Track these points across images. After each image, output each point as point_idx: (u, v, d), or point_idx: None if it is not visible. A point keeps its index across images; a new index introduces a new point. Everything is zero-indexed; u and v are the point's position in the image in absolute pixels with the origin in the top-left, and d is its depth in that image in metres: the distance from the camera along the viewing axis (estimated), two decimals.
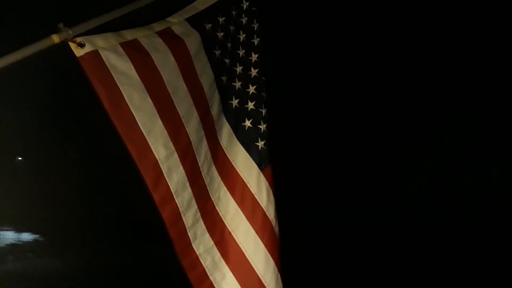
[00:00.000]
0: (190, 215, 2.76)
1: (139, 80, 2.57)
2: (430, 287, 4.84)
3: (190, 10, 2.87)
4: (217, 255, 2.88)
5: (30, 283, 5.24)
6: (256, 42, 3.03)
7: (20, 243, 5.93)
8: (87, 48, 2.44)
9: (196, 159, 2.79)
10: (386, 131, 4.78)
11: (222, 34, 2.92)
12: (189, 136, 2.75)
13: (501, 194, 4.68)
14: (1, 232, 5.93)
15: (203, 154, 2.83)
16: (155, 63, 2.64)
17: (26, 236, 5.98)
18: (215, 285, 2.86)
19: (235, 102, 3.00)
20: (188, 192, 2.74)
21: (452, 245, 4.84)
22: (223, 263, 2.89)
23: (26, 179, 5.39)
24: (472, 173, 4.78)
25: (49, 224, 5.61)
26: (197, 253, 2.80)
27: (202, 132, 2.82)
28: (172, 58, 2.69)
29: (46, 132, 4.68)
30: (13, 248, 5.87)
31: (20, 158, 5.76)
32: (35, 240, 5.97)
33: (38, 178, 5.31)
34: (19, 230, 5.92)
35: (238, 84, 3.01)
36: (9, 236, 5.93)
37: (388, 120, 4.81)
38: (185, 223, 2.74)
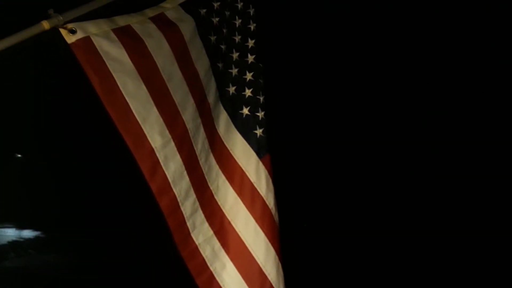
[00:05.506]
0: (189, 205, 2.70)
1: (133, 67, 2.52)
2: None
3: None
4: (217, 244, 2.82)
5: (32, 279, 5.23)
6: (252, 27, 2.98)
7: (21, 240, 5.92)
8: (79, 35, 2.39)
9: (193, 147, 2.74)
10: (387, 120, 4.75)
11: (217, 19, 2.86)
12: (186, 124, 2.70)
13: None
14: (3, 230, 5.91)
15: (200, 142, 2.77)
16: (149, 49, 2.58)
17: (28, 233, 5.96)
18: (215, 275, 2.81)
19: (232, 89, 2.94)
20: (186, 181, 2.69)
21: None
22: (223, 252, 2.84)
23: (26, 176, 5.37)
24: None
25: (50, 221, 5.59)
26: (196, 243, 2.75)
27: (199, 120, 2.77)
28: (166, 44, 2.64)
29: (43, 127, 4.64)
30: (15, 245, 5.86)
31: (19, 156, 5.74)
32: (36, 237, 5.95)
33: (38, 175, 5.29)
34: (21, 227, 5.91)
35: (234, 71, 2.95)
36: (11, 233, 5.92)
37: (389, 108, 4.78)
38: (184, 213, 2.69)
